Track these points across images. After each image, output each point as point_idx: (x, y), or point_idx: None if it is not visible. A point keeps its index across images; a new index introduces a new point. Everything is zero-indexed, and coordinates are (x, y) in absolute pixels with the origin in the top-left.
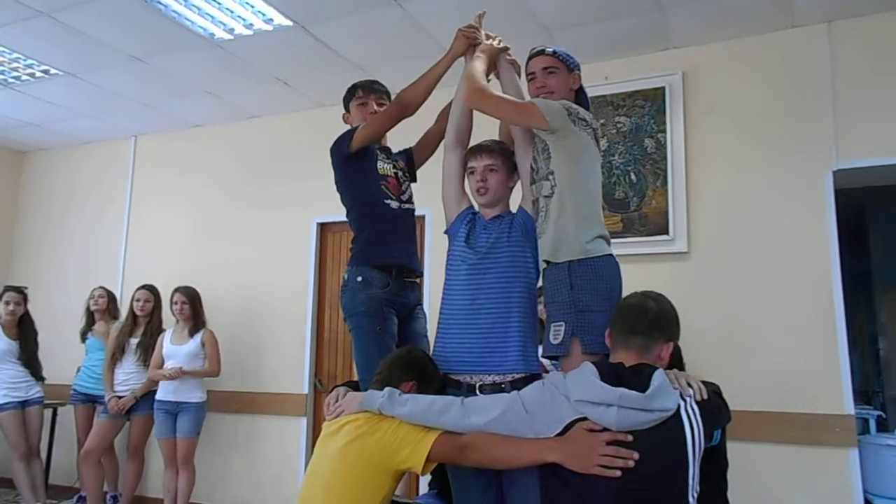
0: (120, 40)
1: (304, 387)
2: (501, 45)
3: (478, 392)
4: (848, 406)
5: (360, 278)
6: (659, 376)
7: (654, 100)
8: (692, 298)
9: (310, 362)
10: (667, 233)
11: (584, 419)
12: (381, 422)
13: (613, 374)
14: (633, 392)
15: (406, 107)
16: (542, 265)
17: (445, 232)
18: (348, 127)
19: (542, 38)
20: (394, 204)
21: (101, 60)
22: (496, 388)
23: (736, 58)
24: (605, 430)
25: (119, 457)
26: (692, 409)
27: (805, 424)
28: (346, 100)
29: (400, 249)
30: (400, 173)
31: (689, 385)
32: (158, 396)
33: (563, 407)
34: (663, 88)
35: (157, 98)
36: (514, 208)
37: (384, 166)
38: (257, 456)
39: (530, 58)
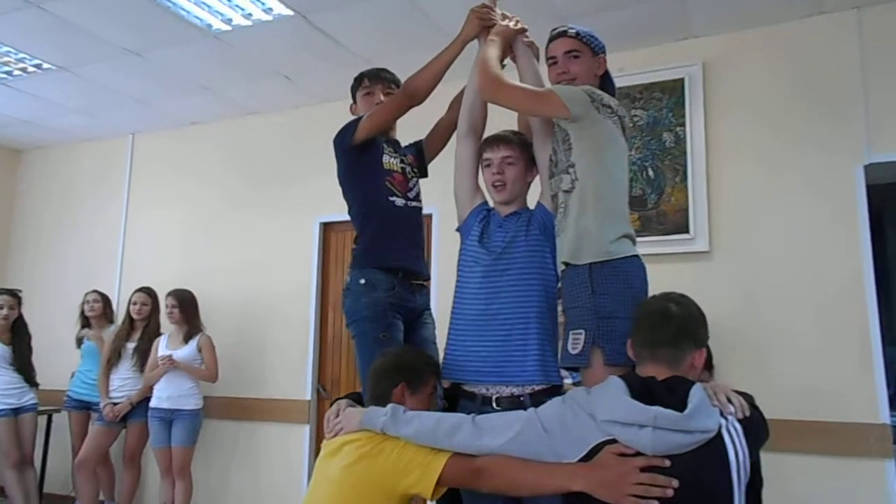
0: (113, 33)
1: (306, 393)
2: (518, 26)
3: (494, 405)
4: (883, 414)
5: (363, 281)
6: (697, 393)
7: (672, 92)
8: (714, 300)
9: (312, 368)
10: (687, 231)
11: (613, 441)
12: (384, 442)
13: (645, 390)
14: (670, 411)
15: (413, 95)
16: (561, 267)
17: (457, 229)
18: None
19: (554, 24)
20: (399, 201)
21: (95, 54)
22: (514, 401)
23: (759, 47)
24: (637, 454)
25: (115, 465)
26: (734, 428)
27: (836, 434)
28: (353, 90)
29: (405, 251)
30: (408, 168)
31: (730, 401)
32: (152, 404)
33: (588, 427)
34: (682, 80)
35: (154, 94)
36: (531, 204)
37: (390, 161)
38: (258, 464)
39: (551, 40)
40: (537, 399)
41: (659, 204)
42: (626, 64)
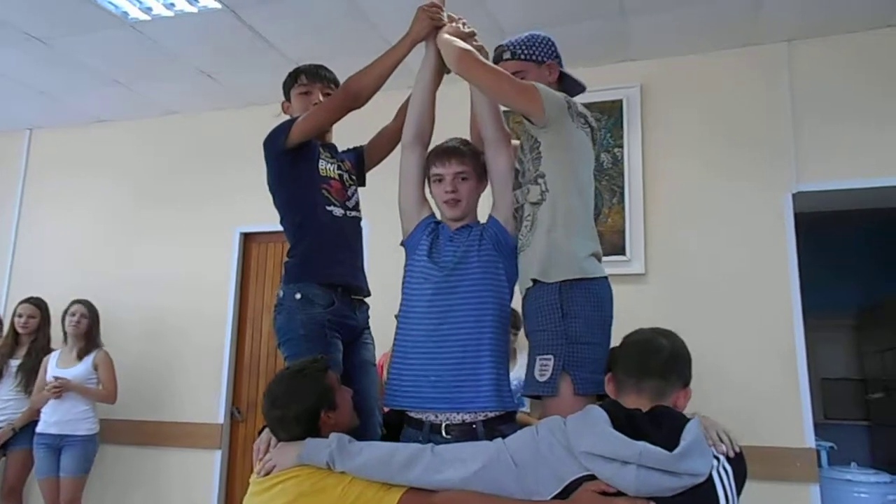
0: (15, 14)
1: (219, 416)
2: (468, 29)
3: (443, 433)
4: (809, 439)
5: (298, 296)
6: (693, 430)
7: (611, 113)
8: (649, 323)
9: (227, 388)
10: (623, 253)
11: (591, 478)
12: (327, 478)
13: (629, 422)
14: (658, 449)
15: (355, 96)
16: (528, 284)
17: (402, 244)
18: (286, 118)
19: (497, 40)
20: (338, 211)
21: None
22: (465, 429)
23: (696, 73)
24: (619, 493)
25: None
26: (725, 469)
27: (764, 458)
28: (287, 86)
29: (345, 265)
30: (345, 176)
31: (720, 438)
32: (39, 429)
33: (564, 461)
34: (621, 101)
35: (59, 86)
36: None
37: (327, 167)
38: (162, 495)
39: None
40: (490, 426)
41: (596, 225)
42: None
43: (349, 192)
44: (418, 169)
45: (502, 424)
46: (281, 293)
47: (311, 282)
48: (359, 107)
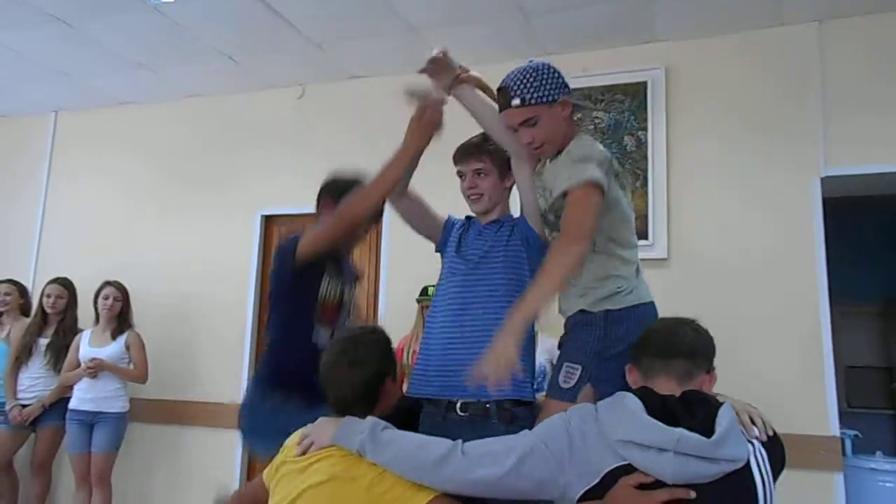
0: None
1: (241, 396)
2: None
3: (458, 410)
4: (833, 427)
5: (276, 399)
6: (727, 415)
7: (634, 95)
8: (671, 308)
9: (249, 369)
10: (646, 237)
11: (627, 467)
12: (359, 464)
13: (663, 408)
14: (696, 436)
15: (350, 223)
16: (571, 313)
17: (437, 250)
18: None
19: (518, 24)
20: (325, 334)
21: (15, 19)
22: (480, 407)
23: (722, 54)
24: (657, 483)
25: (21, 474)
26: (761, 454)
27: (787, 446)
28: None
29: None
30: (347, 292)
31: (753, 422)
32: (72, 405)
33: (598, 450)
34: (645, 83)
35: (83, 68)
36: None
37: (329, 288)
38: (185, 472)
39: (500, 107)
40: (504, 408)
41: None
42: (588, 64)
43: (341, 313)
44: (414, 210)
45: (516, 407)
46: (251, 390)
47: (286, 391)
48: (358, 233)
